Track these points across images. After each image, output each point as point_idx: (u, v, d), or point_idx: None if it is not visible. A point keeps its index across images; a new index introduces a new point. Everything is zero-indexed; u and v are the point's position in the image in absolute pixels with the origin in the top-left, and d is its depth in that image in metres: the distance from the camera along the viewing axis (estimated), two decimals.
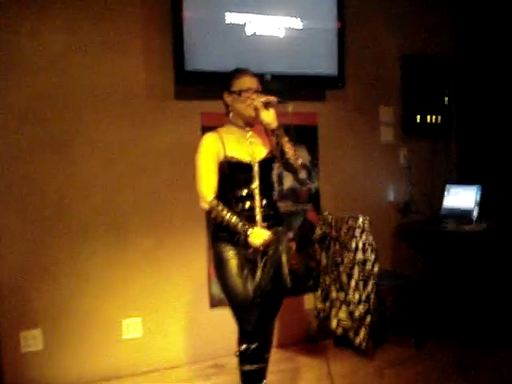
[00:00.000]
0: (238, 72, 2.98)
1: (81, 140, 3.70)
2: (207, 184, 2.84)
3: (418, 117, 4.79)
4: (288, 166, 2.96)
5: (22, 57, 3.54)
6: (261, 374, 2.93)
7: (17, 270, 3.57)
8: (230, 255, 2.86)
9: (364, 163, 4.62)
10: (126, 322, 3.84)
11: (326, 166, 4.46)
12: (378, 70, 4.65)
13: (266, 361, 2.98)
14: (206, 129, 3.74)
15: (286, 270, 2.97)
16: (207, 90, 3.93)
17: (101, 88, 3.73)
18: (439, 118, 4.88)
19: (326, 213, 4.24)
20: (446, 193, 4.65)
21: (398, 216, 4.76)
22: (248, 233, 2.75)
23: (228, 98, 2.96)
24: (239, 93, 2.90)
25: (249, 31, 3.96)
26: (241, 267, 2.86)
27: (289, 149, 2.88)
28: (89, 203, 3.73)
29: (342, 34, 4.28)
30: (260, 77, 3.14)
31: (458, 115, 5.01)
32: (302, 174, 4.30)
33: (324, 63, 4.22)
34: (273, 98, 2.86)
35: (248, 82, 2.93)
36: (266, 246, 2.79)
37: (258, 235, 2.77)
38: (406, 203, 4.75)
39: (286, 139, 2.88)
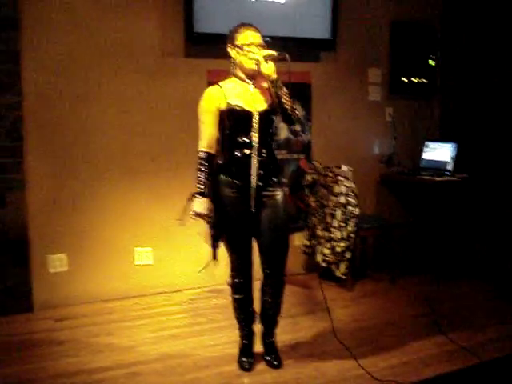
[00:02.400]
0: (242, 26, 3.10)
1: (101, 91, 4.23)
2: (203, 136, 3.08)
3: (405, 79, 5.29)
4: (286, 117, 3.09)
5: (52, 17, 4.04)
6: (248, 301, 3.30)
7: (45, 203, 4.15)
8: (230, 199, 3.09)
9: (353, 119, 5.14)
10: (138, 251, 4.45)
11: (318, 121, 4.98)
12: (369, 34, 5.12)
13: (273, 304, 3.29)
14: (211, 84, 4.23)
15: (285, 225, 3.22)
16: (213, 49, 4.43)
17: (119, 46, 4.24)
18: (424, 80, 5.37)
19: (316, 162, 4.80)
20: (425, 148, 5.19)
21: (381, 167, 5.29)
22: (192, 198, 3.07)
23: (231, 52, 3.10)
24: (241, 47, 3.05)
25: None
26: (237, 210, 3.10)
27: (287, 100, 3.02)
28: (107, 147, 4.29)
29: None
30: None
31: (442, 78, 5.48)
32: (297, 127, 4.83)
33: (319, 27, 4.70)
34: (273, 52, 2.99)
35: (251, 37, 3.05)
36: (199, 216, 3.08)
37: (196, 205, 3.06)
38: (390, 156, 5.27)
39: (284, 91, 3.01)
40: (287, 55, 2.97)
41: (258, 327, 3.37)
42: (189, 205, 3.10)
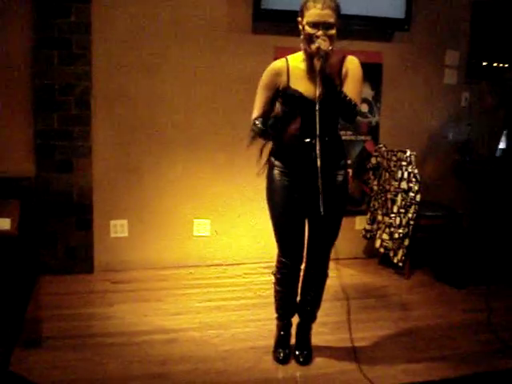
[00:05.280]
0: (311, 1, 2.76)
1: (168, 65, 4.33)
2: (256, 108, 2.94)
3: (485, 62, 5.01)
4: (341, 113, 2.87)
5: None
6: (291, 295, 3.16)
7: (109, 170, 4.33)
8: (282, 184, 2.95)
9: (425, 102, 4.95)
10: (196, 222, 4.56)
11: (388, 102, 4.85)
12: (447, 13, 4.87)
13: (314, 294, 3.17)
14: None
15: (339, 212, 3.05)
16: (282, 26, 4.41)
17: (187, 20, 4.31)
18: (506, 65, 5.07)
19: (381, 145, 4.69)
20: (503, 137, 4.93)
21: (454, 154, 5.09)
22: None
23: (300, 26, 2.82)
24: (303, 26, 2.78)
25: None
26: (291, 198, 2.95)
27: (343, 98, 2.76)
28: (171, 119, 4.39)
29: None
30: None
31: None
32: (363, 108, 4.74)
33: (392, 5, 4.54)
34: (323, 48, 2.69)
35: (315, 15, 2.73)
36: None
37: None
38: (464, 143, 5.05)
39: (337, 89, 2.76)
40: (323, 54, 2.68)
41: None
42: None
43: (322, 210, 2.76)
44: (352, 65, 2.92)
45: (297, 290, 3.20)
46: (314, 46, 2.73)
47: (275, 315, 3.29)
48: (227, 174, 4.56)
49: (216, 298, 4.00)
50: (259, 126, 2.90)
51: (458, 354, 3.33)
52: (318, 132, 2.73)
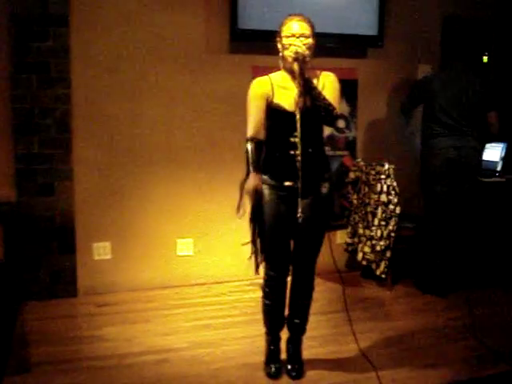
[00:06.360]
0: (288, 17, 3.00)
1: (147, 86, 4.34)
2: (250, 122, 3.00)
3: None
4: (323, 118, 2.95)
5: (100, 15, 4.17)
6: (278, 308, 3.21)
7: (92, 192, 4.31)
8: (270, 198, 3.02)
9: (400, 117, 5.05)
10: (180, 242, 4.56)
11: (364, 118, 4.95)
12: (419, 29, 5.00)
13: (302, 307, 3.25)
14: None
15: (322, 225, 3.15)
16: (259, 45, 4.48)
17: (165, 42, 4.34)
18: None
19: (360, 159, 4.78)
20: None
21: None
22: (247, 176, 2.97)
23: (278, 44, 3.00)
24: (281, 39, 2.95)
25: None
26: (278, 211, 3.02)
27: (320, 101, 2.86)
28: (152, 140, 4.41)
29: None
30: None
31: (495, 76, 5.30)
32: (340, 123, 4.82)
33: (365, 23, 4.65)
34: (300, 51, 2.87)
35: (292, 27, 2.93)
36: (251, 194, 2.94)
37: (248, 183, 2.95)
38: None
39: (317, 91, 2.87)
40: (300, 57, 2.86)
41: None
42: (242, 188, 3.01)
43: (299, 215, 2.87)
44: (327, 79, 3.08)
45: (284, 303, 3.25)
46: (291, 52, 2.90)
47: (264, 330, 3.32)
48: (208, 192, 4.58)
49: (203, 316, 4.01)
50: (247, 154, 3.02)
51: (445, 361, 3.41)
52: (299, 142, 2.84)
